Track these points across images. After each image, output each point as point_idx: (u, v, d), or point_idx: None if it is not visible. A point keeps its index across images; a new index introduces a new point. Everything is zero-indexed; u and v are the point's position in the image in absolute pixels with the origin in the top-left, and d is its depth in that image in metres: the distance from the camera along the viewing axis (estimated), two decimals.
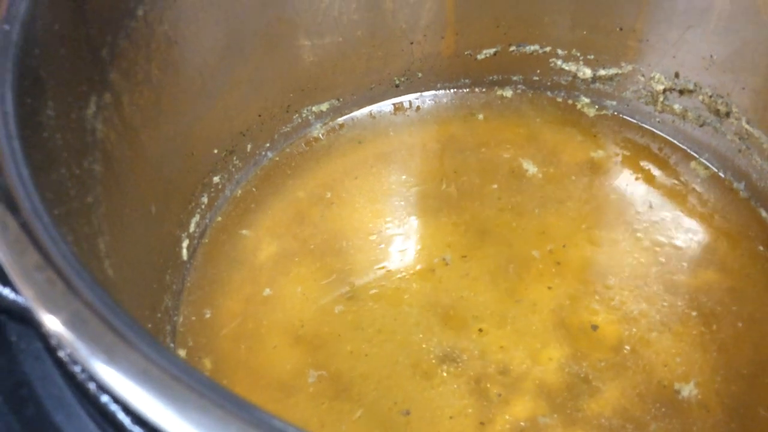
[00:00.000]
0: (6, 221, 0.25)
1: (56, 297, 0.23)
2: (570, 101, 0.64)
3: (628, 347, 0.49)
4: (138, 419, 0.24)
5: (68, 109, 0.36)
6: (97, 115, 0.38)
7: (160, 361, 0.22)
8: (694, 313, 0.50)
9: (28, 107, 0.31)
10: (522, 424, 0.46)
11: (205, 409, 0.21)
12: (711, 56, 0.55)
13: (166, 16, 0.45)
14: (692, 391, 0.47)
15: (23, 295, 0.25)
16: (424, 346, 0.49)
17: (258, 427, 0.21)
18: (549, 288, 0.52)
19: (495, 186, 0.58)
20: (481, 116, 0.64)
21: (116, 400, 0.24)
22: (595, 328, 0.49)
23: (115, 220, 0.40)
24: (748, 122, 0.55)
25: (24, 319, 0.27)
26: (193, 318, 0.51)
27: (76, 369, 0.25)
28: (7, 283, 0.27)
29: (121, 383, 0.22)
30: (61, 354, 0.25)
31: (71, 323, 0.23)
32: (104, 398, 0.24)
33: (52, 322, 0.23)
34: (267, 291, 0.53)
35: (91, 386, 0.24)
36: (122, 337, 0.23)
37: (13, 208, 0.26)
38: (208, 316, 0.51)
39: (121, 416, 0.24)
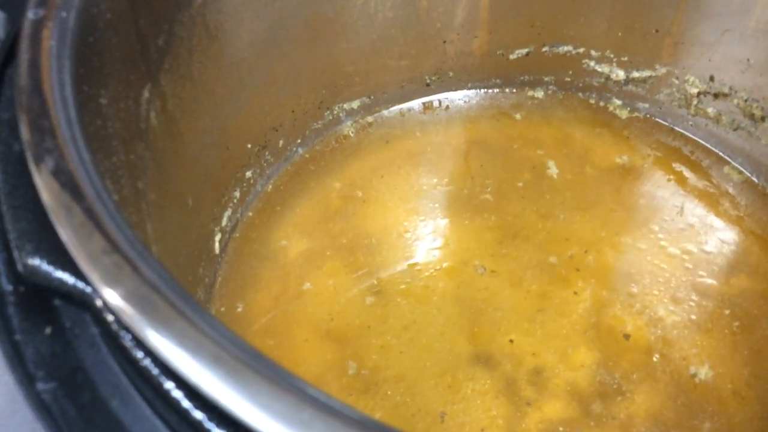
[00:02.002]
0: (71, 206, 0.25)
1: (125, 281, 0.23)
2: (602, 103, 0.64)
3: (657, 355, 0.48)
4: (202, 405, 0.23)
5: (118, 98, 0.36)
6: (146, 105, 0.38)
7: (231, 348, 0.22)
8: (726, 311, 0.50)
9: (85, 94, 0.31)
10: (560, 429, 0.45)
11: (276, 394, 0.21)
12: (748, 60, 0.55)
13: (209, 9, 0.45)
14: (720, 381, 0.47)
15: (89, 280, 0.25)
16: (451, 357, 0.49)
17: (331, 415, 0.21)
18: (574, 293, 0.51)
19: (523, 188, 0.58)
20: (511, 117, 0.64)
21: (182, 385, 0.23)
22: (627, 337, 0.49)
23: (159, 209, 0.40)
24: None
25: (83, 304, 0.27)
26: (225, 312, 0.51)
27: (139, 355, 0.25)
28: (66, 267, 0.27)
29: (193, 369, 0.22)
30: (122, 340, 0.25)
31: (141, 307, 0.23)
32: (168, 384, 0.24)
33: (120, 305, 0.23)
34: (297, 286, 0.52)
35: (155, 372, 0.24)
36: (192, 322, 0.23)
37: (77, 192, 0.26)
38: (239, 310, 0.51)
39: (186, 404, 0.24)
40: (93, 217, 0.25)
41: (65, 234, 0.25)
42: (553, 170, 0.59)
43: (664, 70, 0.60)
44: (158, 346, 0.22)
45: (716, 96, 0.58)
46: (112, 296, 0.23)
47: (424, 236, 0.55)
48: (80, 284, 0.26)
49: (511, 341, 0.49)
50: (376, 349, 0.49)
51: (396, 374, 0.48)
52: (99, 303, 0.26)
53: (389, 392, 0.47)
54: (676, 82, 0.60)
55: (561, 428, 0.45)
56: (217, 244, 0.53)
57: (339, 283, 0.53)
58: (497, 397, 0.46)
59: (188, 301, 0.23)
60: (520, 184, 0.58)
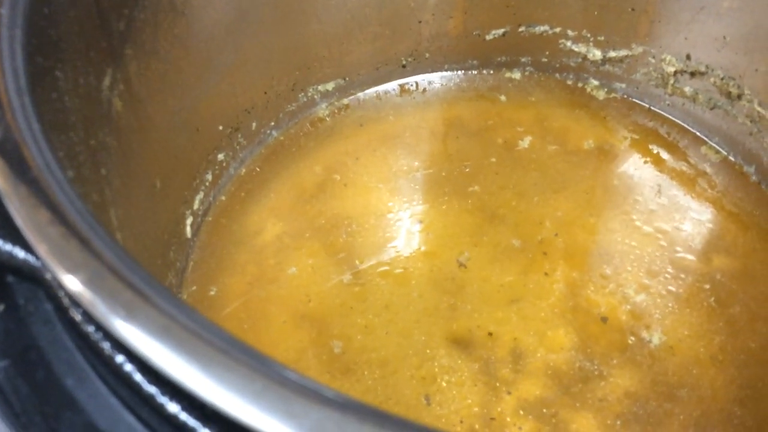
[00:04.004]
0: (18, 176, 0.24)
1: (71, 252, 0.23)
2: (579, 84, 0.63)
3: (634, 335, 0.48)
4: (155, 379, 0.23)
5: (77, 74, 0.35)
6: (108, 91, 0.37)
7: (181, 318, 0.21)
8: (707, 286, 0.50)
9: (39, 66, 0.30)
10: (544, 411, 0.45)
11: (228, 365, 0.21)
12: (724, 37, 0.54)
13: None
14: (697, 348, 0.47)
15: (36, 252, 0.24)
16: (430, 341, 0.48)
17: (283, 385, 0.20)
18: (548, 275, 0.51)
19: (501, 170, 0.58)
20: (489, 99, 0.63)
21: (133, 359, 0.23)
22: (605, 319, 0.49)
23: (124, 193, 0.39)
24: (760, 104, 0.54)
25: (34, 278, 0.26)
26: (198, 296, 0.51)
27: (90, 329, 0.24)
28: (17, 241, 0.26)
29: (141, 340, 0.21)
30: (73, 314, 0.25)
31: (87, 279, 0.22)
32: (119, 358, 0.23)
33: (67, 278, 0.22)
34: (273, 269, 0.52)
35: (106, 346, 0.23)
36: (140, 293, 0.22)
37: (25, 163, 0.25)
38: (212, 293, 0.51)
39: (138, 377, 0.23)
40: (39, 188, 0.24)
41: (11, 206, 0.24)
42: (531, 152, 0.59)
43: (640, 49, 0.59)
44: (105, 318, 0.21)
45: (693, 75, 0.58)
46: (58, 268, 0.23)
47: (403, 219, 0.55)
48: (31, 258, 0.26)
49: (490, 333, 0.48)
50: (360, 329, 0.48)
51: (375, 357, 0.47)
52: (49, 276, 0.25)
53: (366, 372, 0.46)
54: (653, 61, 0.59)
55: (544, 410, 0.45)
56: (188, 228, 0.52)
57: (317, 264, 0.52)
58: (476, 384, 0.46)
59: (138, 272, 0.22)
60: (498, 166, 0.58)
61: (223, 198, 0.56)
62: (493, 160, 0.58)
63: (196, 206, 0.53)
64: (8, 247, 0.26)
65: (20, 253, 0.26)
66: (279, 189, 0.57)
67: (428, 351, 0.47)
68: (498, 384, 0.46)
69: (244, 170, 0.58)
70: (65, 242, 0.23)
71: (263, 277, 0.51)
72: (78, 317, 0.24)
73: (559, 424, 0.44)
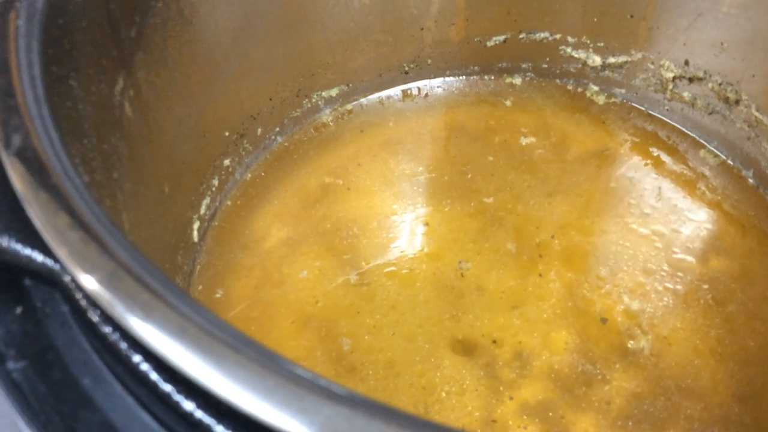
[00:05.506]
0: (38, 182, 0.25)
1: (91, 256, 0.23)
2: (579, 89, 0.64)
3: (632, 337, 0.49)
4: (171, 377, 0.24)
5: (89, 82, 0.36)
6: (119, 96, 0.38)
7: (197, 318, 0.22)
8: (705, 286, 0.51)
9: (54, 75, 0.31)
10: (550, 414, 0.46)
11: (242, 363, 0.21)
12: (721, 43, 0.55)
13: None
14: (696, 343, 0.48)
15: (56, 256, 0.25)
16: (434, 343, 0.49)
17: (295, 382, 0.21)
18: (553, 280, 0.52)
19: (501, 173, 0.58)
20: (490, 104, 0.64)
21: (150, 358, 0.24)
22: (604, 320, 0.49)
23: (134, 198, 0.40)
24: (757, 109, 0.55)
25: (52, 281, 0.27)
26: (204, 298, 0.51)
27: (107, 329, 0.25)
28: (35, 245, 0.27)
29: (158, 340, 0.22)
30: (90, 315, 0.25)
31: (107, 281, 0.23)
32: (136, 358, 0.24)
33: (87, 281, 0.23)
34: (279, 272, 0.53)
35: (123, 346, 0.24)
36: (158, 295, 0.23)
37: (44, 170, 0.26)
38: (218, 296, 0.51)
39: (154, 375, 0.24)
40: (59, 193, 0.25)
41: (32, 211, 0.25)
42: (531, 156, 0.59)
43: (639, 55, 0.60)
44: (123, 319, 0.22)
45: (691, 80, 0.59)
46: (78, 271, 0.23)
47: (406, 222, 0.55)
48: (49, 261, 0.26)
49: (495, 341, 0.49)
50: (368, 329, 0.49)
51: (382, 358, 0.48)
52: (67, 279, 0.26)
53: (371, 372, 0.47)
54: (652, 66, 0.60)
55: (551, 413, 0.45)
56: (195, 233, 0.53)
57: (323, 266, 0.53)
58: (477, 389, 0.46)
59: (154, 274, 0.23)
60: (499, 170, 0.59)
61: (229, 203, 0.57)
62: (494, 162, 0.59)
63: (202, 211, 0.54)
64: (27, 251, 0.26)
65: (39, 257, 0.26)
66: (284, 194, 0.58)
67: (432, 360, 0.48)
68: (502, 389, 0.46)
69: (249, 175, 0.58)
70: (84, 246, 0.24)
71: (269, 280, 0.52)
72: (95, 318, 0.25)
73: (568, 426, 0.45)
